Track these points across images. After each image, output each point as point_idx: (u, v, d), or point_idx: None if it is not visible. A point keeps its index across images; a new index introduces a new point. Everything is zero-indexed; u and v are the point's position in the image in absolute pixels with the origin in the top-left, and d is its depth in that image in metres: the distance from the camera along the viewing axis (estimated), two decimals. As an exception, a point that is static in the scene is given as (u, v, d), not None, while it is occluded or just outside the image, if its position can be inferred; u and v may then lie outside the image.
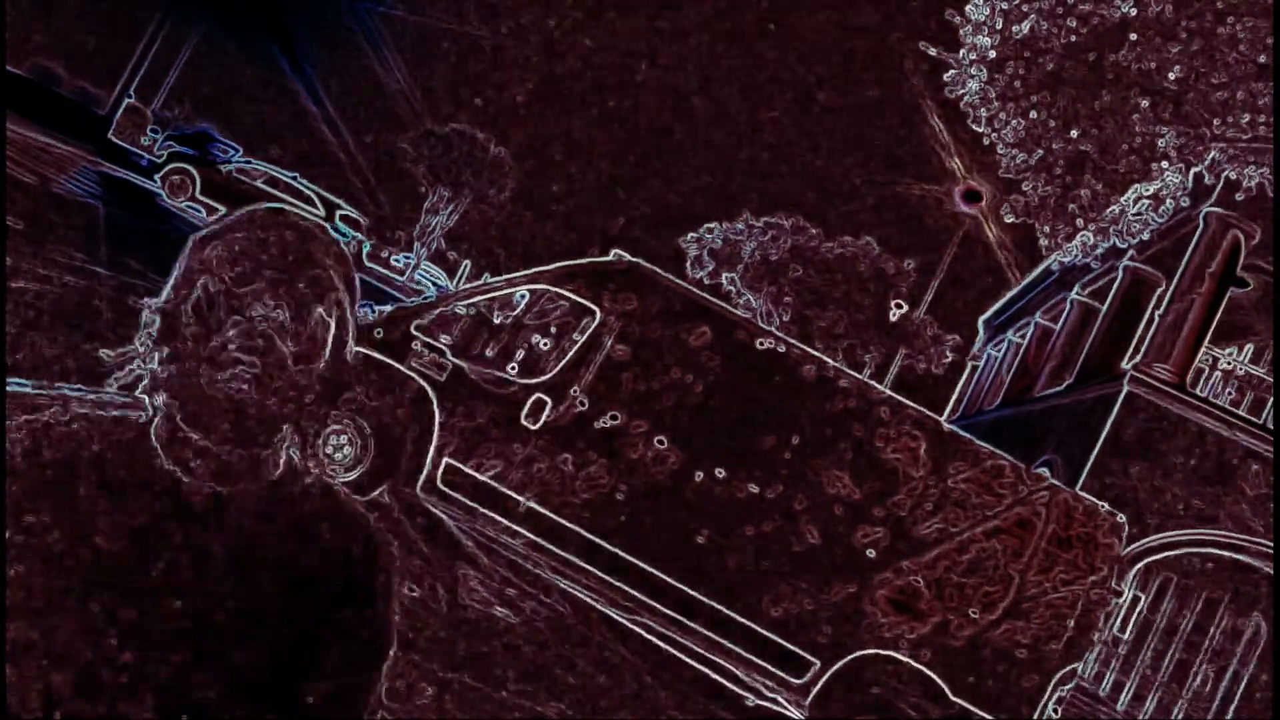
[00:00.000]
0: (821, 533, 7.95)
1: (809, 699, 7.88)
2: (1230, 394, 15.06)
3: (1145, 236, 13.96)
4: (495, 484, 7.99)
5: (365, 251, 25.64)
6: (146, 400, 1.36)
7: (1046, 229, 13.52)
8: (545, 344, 8.19)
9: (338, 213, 24.44)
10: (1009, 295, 26.46)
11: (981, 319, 27.84)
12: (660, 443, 7.98)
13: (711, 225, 28.39)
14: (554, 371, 8.11)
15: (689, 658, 8.10)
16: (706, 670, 8.07)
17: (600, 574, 7.99)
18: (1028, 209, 13.39)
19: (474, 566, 7.87)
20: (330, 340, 1.31)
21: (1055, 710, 8.07)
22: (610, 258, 8.56)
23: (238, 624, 1.32)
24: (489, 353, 8.23)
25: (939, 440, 8.08)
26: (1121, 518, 8.15)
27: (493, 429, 8.09)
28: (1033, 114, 12.54)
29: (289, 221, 1.33)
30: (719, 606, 7.91)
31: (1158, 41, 11.55)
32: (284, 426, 1.31)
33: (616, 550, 7.94)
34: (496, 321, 8.28)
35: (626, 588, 7.97)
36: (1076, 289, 18.98)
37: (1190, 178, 13.05)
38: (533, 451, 7.98)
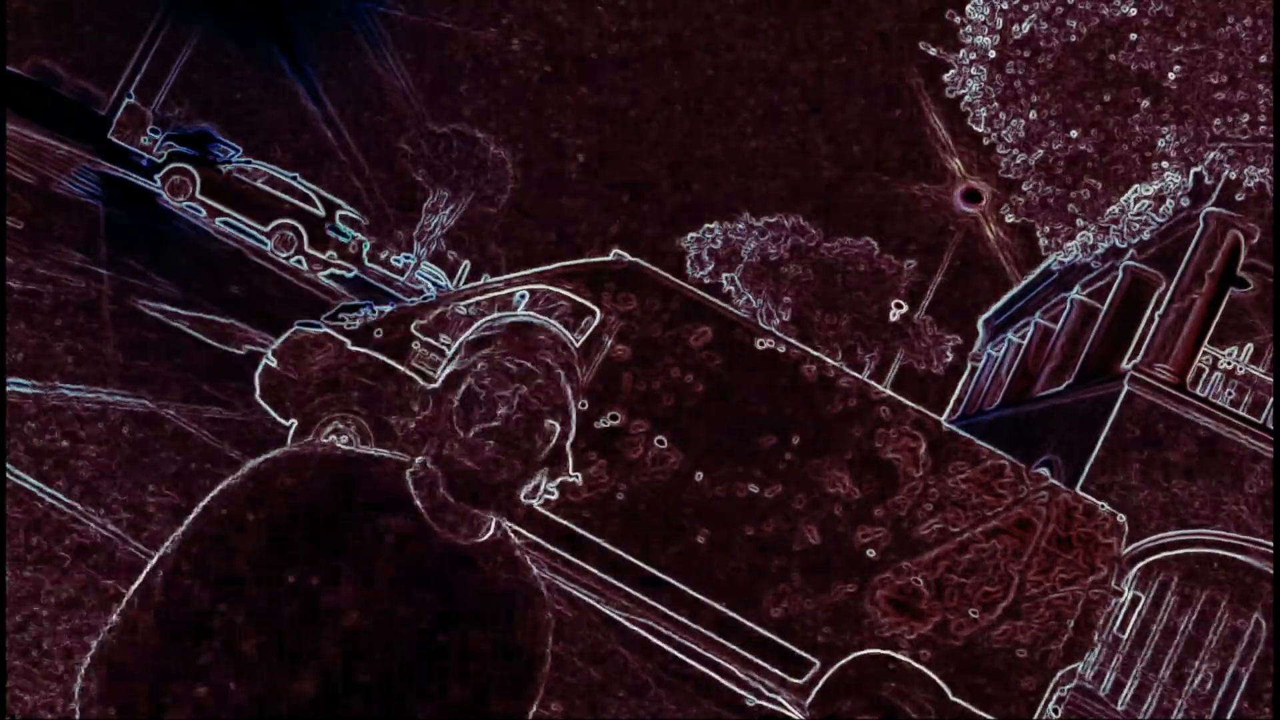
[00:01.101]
0: (821, 533, 7.95)
1: (809, 699, 7.88)
2: (1230, 394, 15.06)
3: (1145, 236, 13.96)
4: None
5: (365, 251, 25.63)
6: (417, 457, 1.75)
7: (1046, 229, 13.52)
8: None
9: (338, 213, 24.43)
10: (1009, 295, 26.47)
11: (981, 319, 27.84)
12: (660, 443, 7.99)
13: (711, 225, 28.38)
14: (554, 371, 8.10)
15: (689, 658, 8.10)
16: (706, 670, 8.08)
17: (600, 574, 7.99)
18: (1028, 209, 13.39)
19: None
20: (555, 438, 1.72)
21: (1055, 710, 8.08)
22: (610, 258, 8.56)
23: (396, 631, 1.64)
24: (489, 353, 8.22)
25: (939, 440, 8.08)
26: (1121, 518, 8.15)
27: (493, 429, 8.08)
28: (1033, 114, 12.54)
29: (537, 342, 1.73)
30: (719, 606, 7.91)
31: (1158, 41, 11.55)
32: (504, 501, 1.71)
33: (617, 550, 7.94)
34: (496, 321, 8.28)
35: (626, 588, 7.97)
36: (1076, 289, 18.99)
37: (1190, 178, 13.05)
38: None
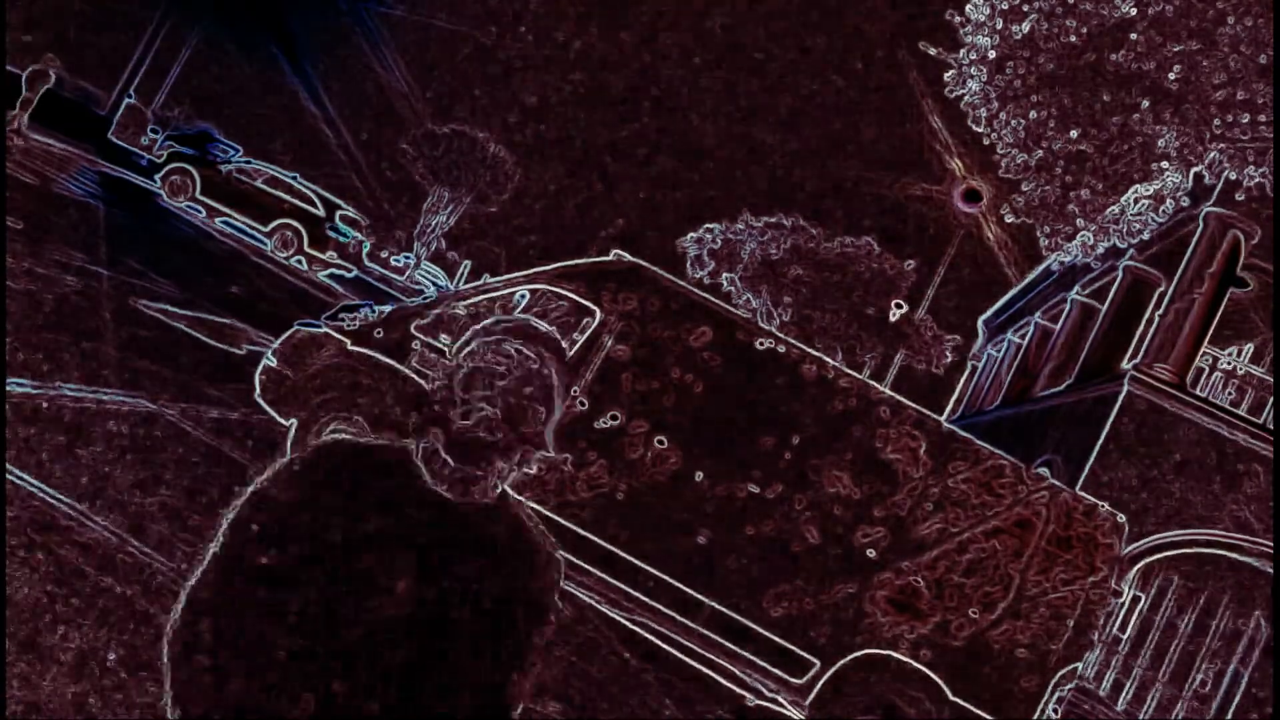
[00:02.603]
0: (821, 533, 7.95)
1: (809, 699, 7.88)
2: (1230, 394, 15.06)
3: (1145, 236, 13.96)
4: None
5: (365, 251, 25.63)
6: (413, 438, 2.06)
7: (1046, 229, 13.52)
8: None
9: (338, 213, 24.43)
10: (1009, 295, 26.47)
11: (981, 319, 27.84)
12: (660, 443, 7.98)
13: (711, 225, 28.37)
14: (554, 371, 8.10)
15: (689, 658, 8.10)
16: (706, 670, 8.08)
17: (600, 574, 7.99)
18: (1028, 209, 13.39)
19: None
20: (540, 419, 2.01)
21: (1055, 710, 8.08)
22: (610, 258, 8.56)
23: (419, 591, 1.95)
24: (489, 353, 8.21)
25: (939, 440, 8.08)
26: (1121, 518, 8.15)
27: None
28: (1033, 114, 12.54)
29: (535, 334, 2.05)
30: (719, 606, 7.91)
31: (1158, 41, 11.55)
32: (499, 462, 2.00)
33: (616, 550, 7.94)
34: (496, 321, 8.27)
35: (626, 588, 7.97)
36: (1076, 289, 18.99)
37: (1190, 178, 13.04)
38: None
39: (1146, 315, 15.51)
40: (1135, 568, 13.53)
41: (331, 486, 1.96)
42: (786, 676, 7.92)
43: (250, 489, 1.98)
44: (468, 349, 2.06)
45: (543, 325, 2.10)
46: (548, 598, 2.07)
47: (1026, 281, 24.62)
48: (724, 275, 27.53)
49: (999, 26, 12.41)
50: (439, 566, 1.95)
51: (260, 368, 8.37)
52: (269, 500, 1.95)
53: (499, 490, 2.04)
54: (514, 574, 2.02)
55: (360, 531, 1.93)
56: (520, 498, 2.10)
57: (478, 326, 2.10)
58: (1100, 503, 8.22)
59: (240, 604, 1.89)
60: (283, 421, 8.25)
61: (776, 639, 7.89)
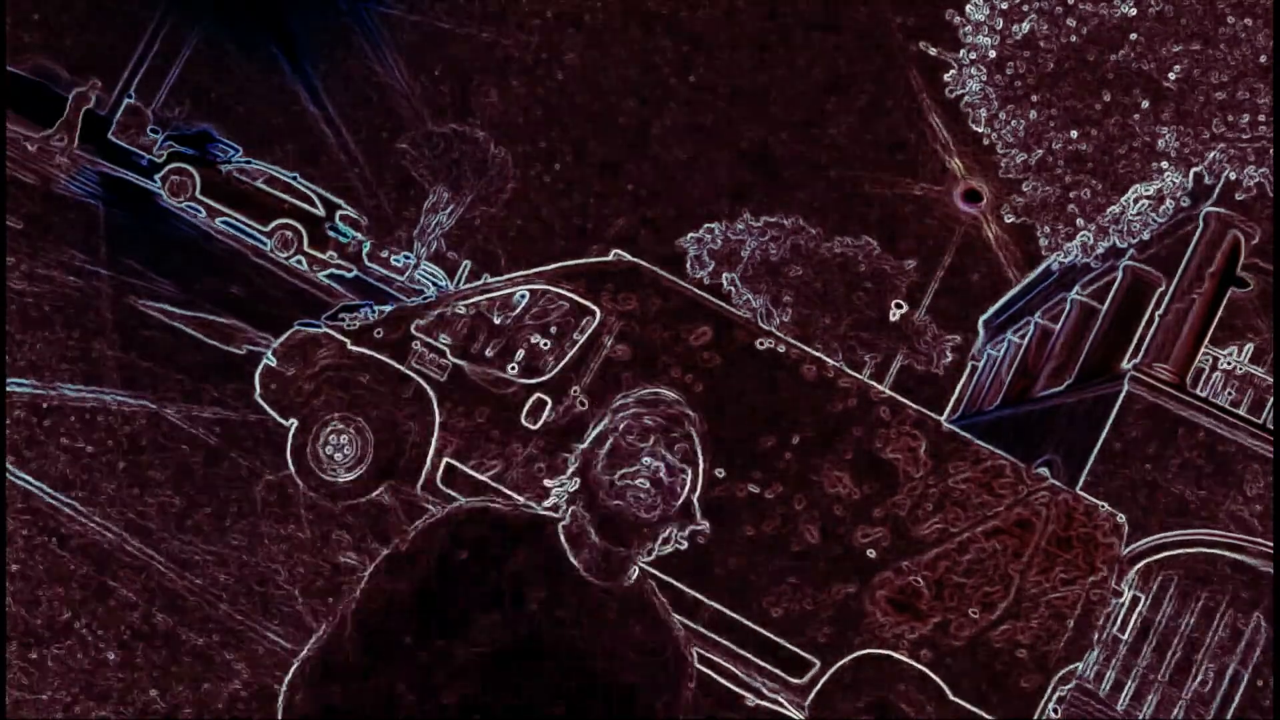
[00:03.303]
0: (821, 533, 7.95)
1: (809, 699, 7.88)
2: (1230, 394, 15.06)
3: (1145, 236, 13.96)
4: (495, 484, 7.99)
5: (365, 251, 25.63)
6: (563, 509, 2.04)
7: (1046, 229, 13.52)
8: (545, 344, 8.20)
9: (338, 213, 24.43)
10: (1009, 295, 26.47)
11: (981, 319, 27.84)
12: (660, 443, 7.97)
13: (711, 225, 28.37)
14: (554, 371, 8.11)
15: (689, 658, 8.09)
16: (706, 670, 8.08)
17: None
18: (1028, 209, 13.39)
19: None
20: (686, 488, 1.99)
21: (1055, 710, 8.08)
22: (610, 258, 8.56)
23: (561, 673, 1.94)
24: (489, 353, 8.23)
25: (939, 440, 8.08)
26: (1121, 518, 8.15)
27: (493, 429, 8.09)
28: (1033, 114, 12.54)
29: (672, 405, 2.03)
30: (719, 606, 7.91)
31: (1158, 41, 11.55)
32: (650, 542, 1.98)
33: (616, 550, 7.93)
34: (496, 321, 8.29)
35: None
36: (1076, 289, 18.98)
37: (1190, 178, 13.04)
38: (533, 451, 7.99)
39: (1146, 315, 15.50)
40: (1135, 568, 13.53)
41: (473, 558, 1.94)
42: (786, 676, 7.92)
43: (385, 552, 1.96)
44: (604, 425, 2.02)
45: (670, 394, 2.08)
46: (676, 704, 2.02)
47: (1026, 281, 24.62)
48: (724, 275, 27.53)
49: (999, 26, 12.41)
50: (574, 660, 1.92)
51: (260, 368, 8.37)
52: (405, 567, 1.93)
53: (637, 574, 2.01)
54: (647, 679, 1.98)
55: (498, 610, 1.90)
56: (652, 583, 2.08)
57: (610, 405, 2.06)
58: (1100, 503, 8.22)
59: (377, 670, 1.88)
60: (283, 421, 8.25)
61: (776, 639, 7.89)
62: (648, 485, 1.94)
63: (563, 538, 1.99)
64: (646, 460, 1.95)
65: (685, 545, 2.01)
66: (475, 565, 1.92)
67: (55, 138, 20.61)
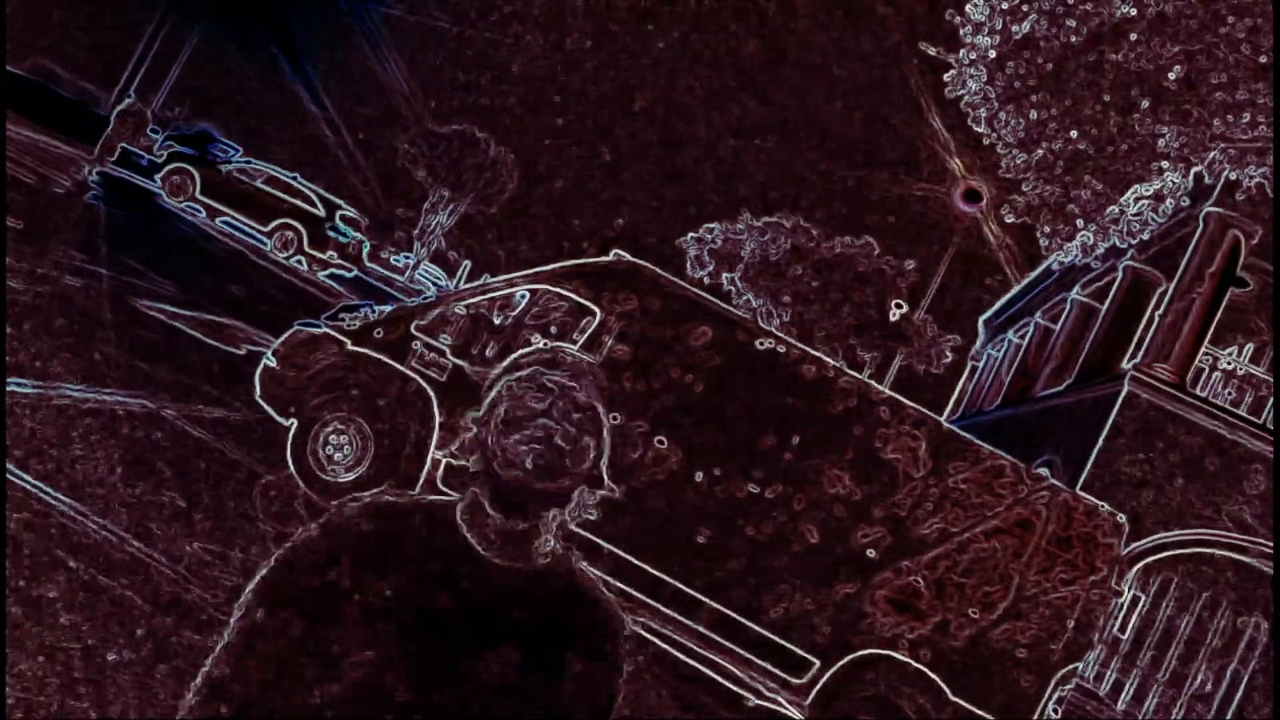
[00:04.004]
0: (821, 533, 7.95)
1: (809, 699, 7.88)
2: (1230, 394, 15.06)
3: (1145, 236, 13.95)
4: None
5: (365, 251, 25.63)
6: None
7: (1046, 229, 13.52)
8: (544, 344, 8.18)
9: (338, 213, 24.43)
10: (1009, 295, 26.47)
11: (981, 319, 27.84)
12: (660, 443, 7.98)
13: (711, 225, 28.38)
14: (554, 371, 8.10)
15: (689, 658, 8.10)
16: (706, 670, 8.08)
17: (600, 574, 7.97)
18: (1028, 209, 13.39)
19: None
20: (592, 452, 1.81)
21: (1055, 710, 8.08)
22: (610, 258, 8.56)
23: (487, 668, 1.78)
24: (489, 353, 8.23)
25: (939, 440, 8.08)
26: (1121, 518, 8.15)
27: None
28: (1033, 114, 12.54)
29: (572, 363, 1.85)
30: (719, 606, 7.90)
31: (1158, 41, 11.55)
32: (553, 510, 1.81)
33: (617, 551, 7.94)
34: (496, 321, 8.29)
35: (627, 588, 7.97)
36: (1076, 289, 18.98)
37: (1190, 178, 13.04)
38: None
39: (1146, 315, 15.50)
40: (1135, 568, 13.53)
41: (366, 554, 1.77)
42: (786, 676, 7.92)
43: (277, 554, 1.80)
44: (498, 388, 1.86)
45: (573, 350, 1.90)
46: (612, 679, 1.86)
47: (1026, 281, 24.62)
48: (724, 275, 27.54)
49: (999, 26, 12.41)
50: (490, 639, 1.77)
51: (260, 368, 8.37)
52: (295, 567, 1.78)
53: (552, 548, 1.85)
54: (576, 663, 1.83)
55: (403, 604, 1.75)
56: (575, 555, 1.93)
57: (504, 364, 1.90)
58: (1100, 503, 8.22)
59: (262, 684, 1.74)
60: (283, 421, 8.25)
61: (776, 639, 7.89)
62: (544, 450, 1.76)
63: (460, 519, 1.82)
64: (543, 422, 1.78)
65: (594, 515, 1.90)
66: (363, 573, 1.74)
67: (96, 156, 20.75)
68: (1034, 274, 23.69)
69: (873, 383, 8.56)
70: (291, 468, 8.11)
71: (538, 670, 1.78)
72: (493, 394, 1.86)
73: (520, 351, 1.93)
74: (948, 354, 26.93)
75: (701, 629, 7.93)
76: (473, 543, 1.79)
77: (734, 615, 7.90)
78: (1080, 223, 13.18)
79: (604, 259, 8.60)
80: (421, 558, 1.77)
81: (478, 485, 1.81)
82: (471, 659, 1.76)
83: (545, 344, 1.94)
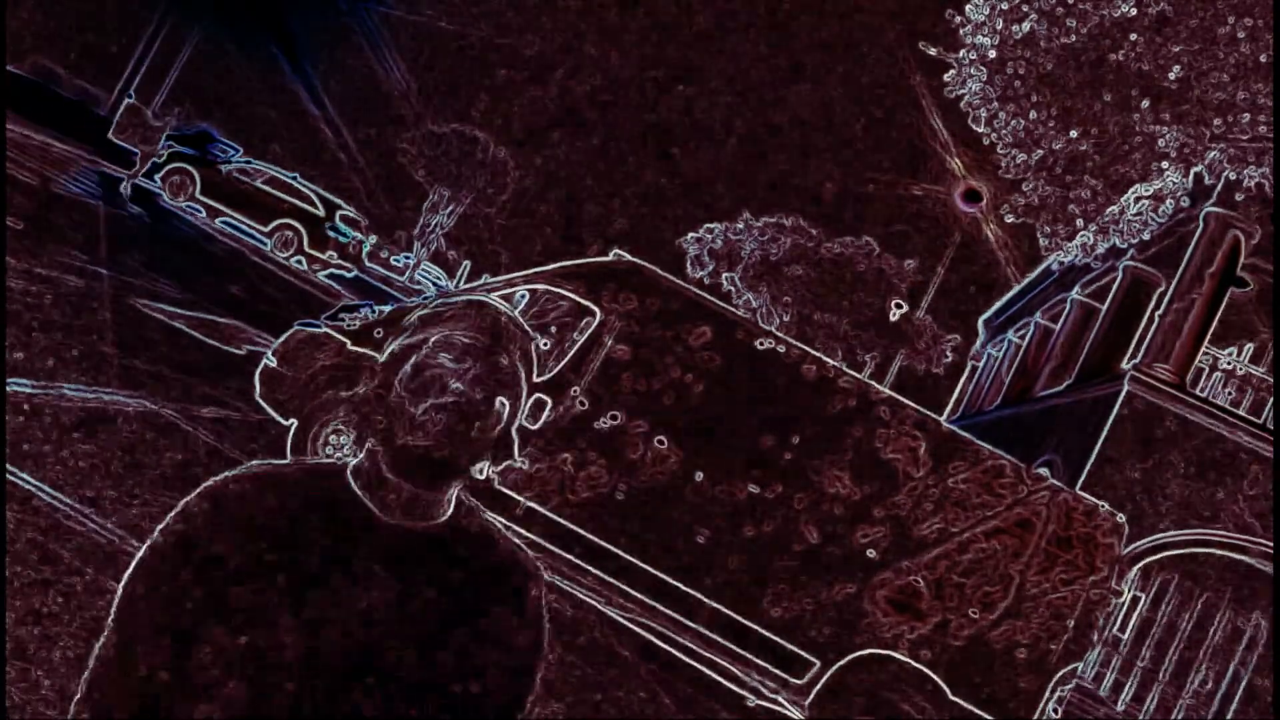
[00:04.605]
0: (821, 533, 7.95)
1: (809, 699, 7.88)
2: (1230, 394, 15.06)
3: (1145, 236, 13.95)
4: (494, 484, 7.99)
5: (365, 251, 25.64)
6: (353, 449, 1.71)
7: (1046, 229, 13.52)
8: (545, 344, 8.19)
9: (338, 213, 24.44)
10: (1009, 295, 26.47)
11: (981, 319, 27.84)
12: (660, 443, 7.98)
13: (711, 225, 28.39)
14: (554, 371, 8.11)
15: (689, 658, 8.10)
16: (706, 670, 8.07)
17: (600, 574, 7.98)
18: (1028, 209, 13.39)
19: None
20: (505, 419, 1.65)
21: (1055, 710, 8.08)
22: (610, 258, 8.56)
23: (402, 631, 1.61)
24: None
25: (939, 440, 8.08)
26: (1121, 518, 8.15)
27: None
28: (1033, 114, 12.54)
29: (493, 320, 1.67)
30: (719, 606, 7.91)
31: (1158, 41, 11.55)
32: (456, 480, 1.66)
33: (617, 550, 7.94)
34: (496, 321, 8.27)
35: (627, 588, 7.97)
36: (1076, 289, 18.98)
37: (1190, 178, 13.04)
38: (533, 451, 7.99)
39: (1146, 315, 15.50)
40: (1135, 568, 13.52)
41: (251, 525, 1.58)
42: (786, 676, 7.92)
43: (159, 527, 1.61)
44: (407, 342, 1.69)
45: (497, 302, 1.72)
46: (534, 647, 1.71)
47: (1026, 281, 24.62)
48: (724, 275, 27.54)
49: (999, 26, 12.41)
50: (397, 605, 1.60)
51: (260, 368, 8.37)
52: (178, 543, 1.58)
53: (451, 506, 1.68)
54: (497, 604, 1.67)
55: (296, 572, 1.57)
56: (474, 504, 1.74)
57: (421, 312, 1.72)
58: (1100, 503, 8.22)
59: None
60: (283, 421, 8.25)
61: (776, 639, 7.89)
62: (456, 420, 1.59)
63: (353, 481, 1.64)
64: (455, 387, 1.60)
65: (495, 478, 1.79)
66: (246, 545, 1.56)
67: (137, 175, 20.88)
68: (1034, 274, 23.70)
69: (873, 383, 8.56)
70: (291, 468, 8.09)
71: (457, 624, 1.63)
72: (403, 342, 1.70)
73: (440, 299, 1.76)
74: (948, 354, 26.94)
75: (701, 629, 7.93)
76: (370, 507, 1.62)
77: (734, 615, 7.90)
78: (1080, 223, 13.18)
79: (604, 259, 8.60)
80: (317, 525, 1.60)
81: (375, 447, 1.63)
82: (386, 613, 1.59)
83: (469, 297, 1.74)
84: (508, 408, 1.65)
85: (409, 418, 1.61)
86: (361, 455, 1.67)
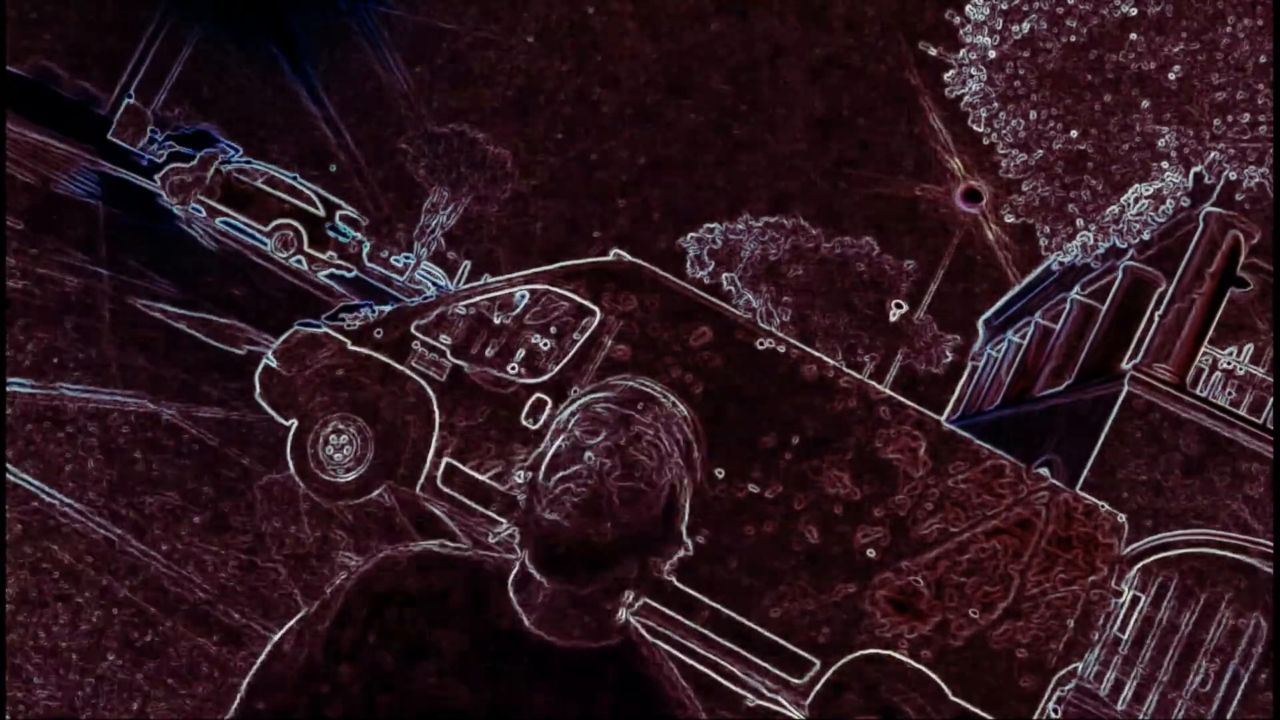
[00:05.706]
0: (821, 533, 7.95)
1: (809, 699, 7.88)
2: (1230, 394, 15.06)
3: (1145, 236, 13.96)
4: (495, 484, 7.99)
5: (365, 251, 25.65)
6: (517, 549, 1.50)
7: (1046, 229, 13.52)
8: (545, 344, 8.19)
9: (338, 213, 24.45)
10: (1009, 295, 26.47)
11: (981, 319, 27.84)
12: (660, 443, 7.97)
13: (711, 225, 28.38)
14: (554, 371, 8.11)
15: (689, 658, 8.10)
16: (707, 670, 8.08)
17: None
18: (1028, 209, 13.39)
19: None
20: (663, 499, 1.43)
21: (1055, 710, 8.07)
22: (610, 258, 8.56)
23: None
24: (489, 353, 8.23)
25: (939, 440, 8.08)
26: (1121, 518, 8.15)
27: (492, 429, 8.09)
28: (1033, 114, 12.54)
29: (634, 390, 1.50)
30: (719, 606, 7.90)
31: (1158, 41, 11.55)
32: (615, 571, 1.41)
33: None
34: (496, 321, 8.29)
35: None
36: (1076, 289, 18.98)
37: (1190, 178, 13.04)
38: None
39: (1146, 315, 15.50)
40: (1135, 568, 13.52)
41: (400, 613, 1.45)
42: (786, 676, 7.91)
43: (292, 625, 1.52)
44: (557, 420, 1.54)
45: (648, 383, 1.55)
46: None
47: (1026, 281, 24.62)
48: (724, 275, 27.54)
49: (999, 26, 12.41)
50: None
51: (260, 368, 8.37)
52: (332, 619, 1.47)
53: (624, 623, 1.47)
54: None
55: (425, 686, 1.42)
56: (649, 642, 1.52)
57: (576, 399, 1.56)
58: (1100, 503, 8.21)
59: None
60: (283, 421, 8.25)
61: (776, 639, 7.89)
62: (590, 495, 1.41)
63: (510, 586, 1.47)
64: (588, 458, 1.44)
65: (673, 577, 1.45)
66: (395, 638, 1.42)
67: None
68: (1034, 274, 23.69)
69: (873, 383, 8.56)
70: (291, 468, 8.11)
71: None
72: (554, 426, 1.55)
73: (594, 385, 1.61)
74: (948, 354, 26.93)
75: (701, 629, 7.93)
76: (521, 616, 1.45)
77: (734, 615, 7.90)
78: (1080, 223, 13.18)
79: (604, 259, 8.60)
80: (461, 628, 1.44)
81: (523, 542, 1.47)
82: None
83: (628, 380, 1.56)
84: (663, 485, 1.46)
85: (545, 494, 1.45)
86: (518, 559, 1.49)
